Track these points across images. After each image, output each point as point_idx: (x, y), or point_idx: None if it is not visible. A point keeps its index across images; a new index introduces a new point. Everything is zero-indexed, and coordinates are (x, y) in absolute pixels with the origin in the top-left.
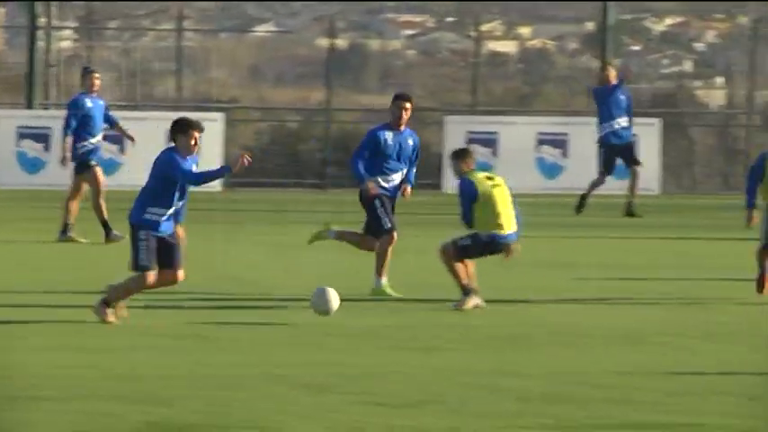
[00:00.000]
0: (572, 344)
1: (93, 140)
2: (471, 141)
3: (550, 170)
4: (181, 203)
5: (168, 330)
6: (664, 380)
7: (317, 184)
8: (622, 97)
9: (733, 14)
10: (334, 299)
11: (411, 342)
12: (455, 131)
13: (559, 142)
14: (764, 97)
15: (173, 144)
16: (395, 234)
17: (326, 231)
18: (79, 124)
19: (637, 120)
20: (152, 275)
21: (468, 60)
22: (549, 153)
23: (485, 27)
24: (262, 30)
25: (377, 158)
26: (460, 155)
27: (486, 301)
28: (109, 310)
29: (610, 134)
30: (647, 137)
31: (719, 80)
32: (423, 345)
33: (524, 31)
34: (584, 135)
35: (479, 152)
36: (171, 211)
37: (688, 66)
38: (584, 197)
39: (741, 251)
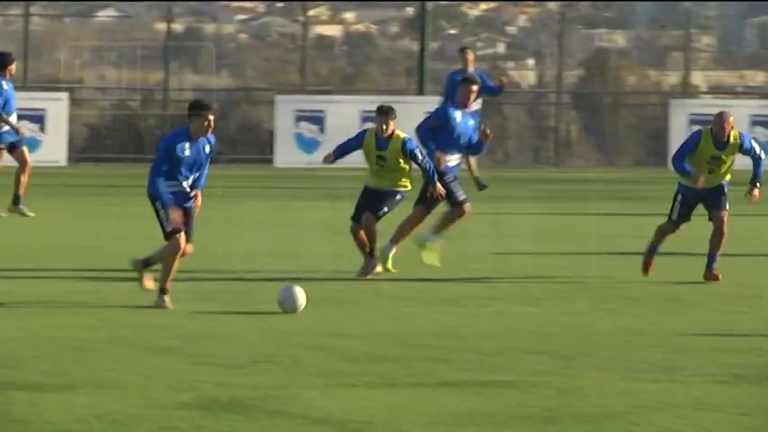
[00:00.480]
0: (395, 306)
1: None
2: (300, 119)
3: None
4: (191, 177)
5: (17, 296)
6: (480, 341)
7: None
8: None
9: (543, 0)
10: (300, 296)
11: (244, 306)
12: (285, 110)
13: None
14: (572, 77)
15: (187, 125)
16: (468, 206)
17: (427, 239)
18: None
19: None
20: (182, 236)
21: (297, 43)
22: None
23: (311, 12)
24: (104, 15)
25: (442, 135)
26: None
27: (314, 267)
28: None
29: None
30: None
31: (530, 61)
32: (254, 308)
33: (349, 15)
34: (405, 112)
35: (308, 129)
36: (180, 184)
37: (501, 48)
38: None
39: (548, 220)
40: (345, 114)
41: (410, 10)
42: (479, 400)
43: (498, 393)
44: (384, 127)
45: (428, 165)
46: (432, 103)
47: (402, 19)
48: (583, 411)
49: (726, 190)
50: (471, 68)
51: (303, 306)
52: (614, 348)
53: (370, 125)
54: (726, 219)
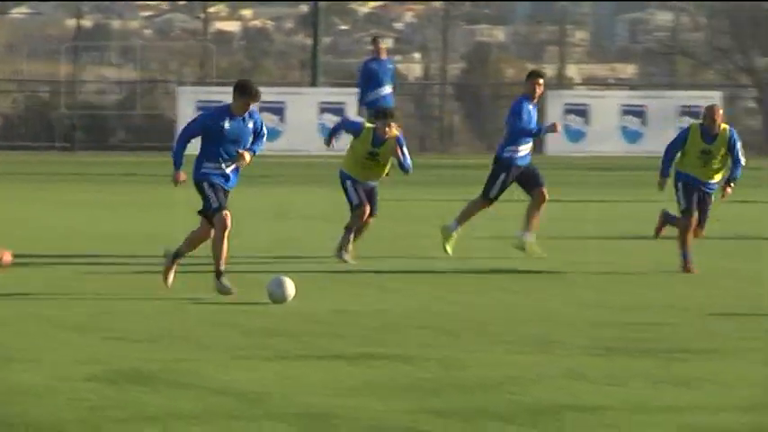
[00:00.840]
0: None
1: None
2: (200, 109)
3: (270, 134)
4: (231, 158)
5: None
6: (369, 317)
7: (65, 147)
8: (390, 67)
9: None
10: (290, 287)
11: (146, 285)
12: (186, 101)
13: (278, 110)
14: (455, 70)
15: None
16: (545, 191)
17: (447, 228)
18: None
19: (345, 90)
20: (226, 213)
21: (198, 38)
22: (269, 119)
23: (211, 9)
24: (17, 12)
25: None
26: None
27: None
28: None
29: (378, 99)
30: (355, 105)
31: (417, 55)
32: (155, 287)
33: (246, 12)
34: (299, 103)
35: None
36: (221, 165)
37: (389, 43)
38: None
39: (434, 204)
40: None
41: (304, 7)
42: (369, 372)
43: (386, 366)
44: (387, 129)
45: (408, 160)
46: (324, 94)
47: (296, 15)
48: (464, 382)
49: (709, 208)
50: (384, 57)
51: (292, 296)
52: (495, 323)
53: (266, 115)
54: (704, 228)
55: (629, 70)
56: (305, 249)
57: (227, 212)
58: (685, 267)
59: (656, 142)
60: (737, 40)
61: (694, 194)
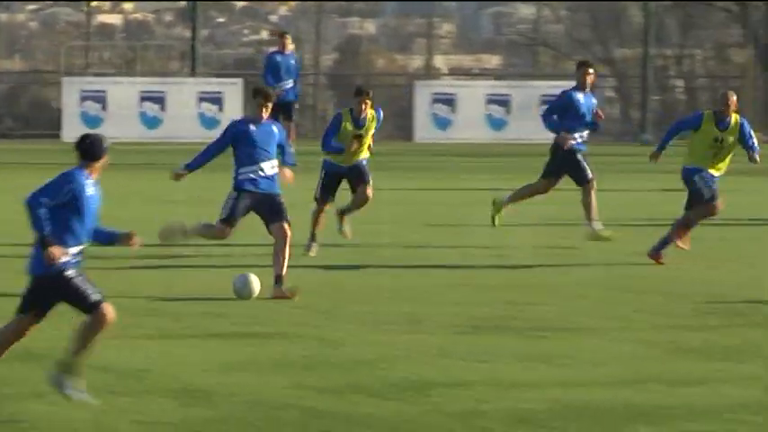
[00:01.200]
0: (168, 269)
1: None
2: (84, 99)
3: (151, 122)
4: (269, 159)
5: None
6: (255, 300)
7: None
8: (292, 62)
9: None
10: (255, 284)
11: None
12: (71, 90)
13: (158, 99)
14: (328, 61)
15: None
16: (594, 183)
17: (499, 202)
18: None
19: (223, 80)
20: (226, 228)
21: (81, 30)
22: (150, 108)
23: (94, 3)
24: None
25: (569, 116)
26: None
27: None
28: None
29: (285, 92)
30: (232, 94)
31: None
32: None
33: (128, 6)
34: (179, 93)
35: (92, 107)
36: (258, 167)
37: (265, 35)
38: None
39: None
40: (125, 94)
41: (182, 2)
42: (246, 351)
43: (264, 344)
44: (363, 107)
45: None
46: (202, 84)
47: (176, 9)
48: (338, 359)
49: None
50: (288, 51)
51: (256, 292)
52: (367, 303)
53: (147, 104)
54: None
55: (493, 61)
56: None
57: (226, 228)
58: (660, 251)
59: (519, 130)
60: (597, 33)
61: (714, 184)
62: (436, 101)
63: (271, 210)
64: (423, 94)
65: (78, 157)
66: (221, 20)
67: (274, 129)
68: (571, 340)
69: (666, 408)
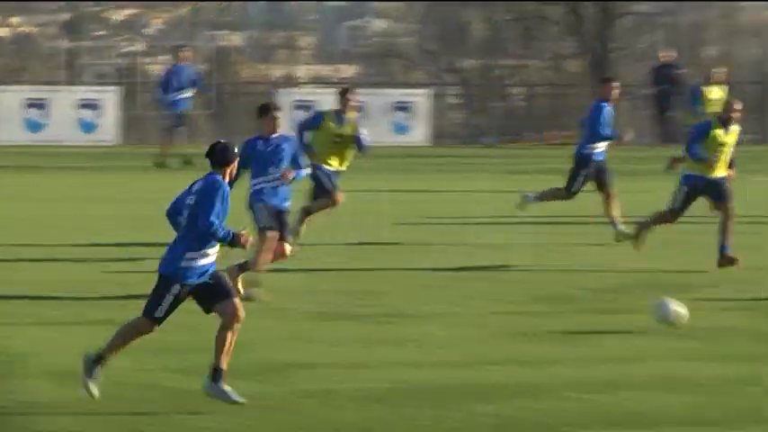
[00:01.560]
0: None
1: None
2: None
3: (35, 127)
4: (271, 178)
5: None
6: (119, 286)
7: None
8: (190, 73)
9: (176, 5)
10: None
11: None
12: None
13: (41, 105)
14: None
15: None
16: (615, 191)
17: (525, 199)
18: None
19: (101, 89)
20: (273, 233)
21: None
22: (35, 114)
23: None
24: None
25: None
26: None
27: None
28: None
29: (177, 102)
30: (110, 102)
31: (166, 57)
32: None
33: (14, 20)
34: (61, 100)
35: None
36: (269, 182)
37: (141, 46)
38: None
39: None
40: (12, 101)
41: (64, 15)
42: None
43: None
44: (347, 105)
45: (367, 139)
46: (82, 91)
47: (59, 22)
48: (205, 345)
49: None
50: (184, 63)
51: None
52: None
53: (33, 111)
54: (732, 208)
55: (350, 71)
56: (59, 228)
57: (273, 233)
58: (724, 252)
59: (374, 133)
60: (444, 44)
61: (691, 204)
62: (298, 107)
63: (279, 224)
64: (284, 102)
65: (212, 164)
66: (101, 33)
67: (285, 143)
68: (416, 326)
69: (501, 386)
